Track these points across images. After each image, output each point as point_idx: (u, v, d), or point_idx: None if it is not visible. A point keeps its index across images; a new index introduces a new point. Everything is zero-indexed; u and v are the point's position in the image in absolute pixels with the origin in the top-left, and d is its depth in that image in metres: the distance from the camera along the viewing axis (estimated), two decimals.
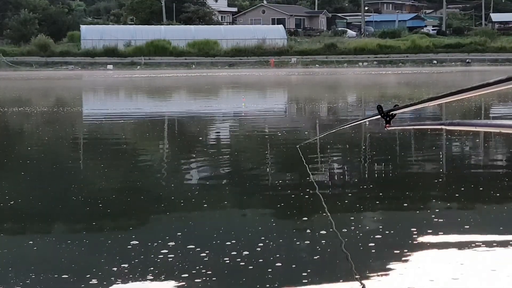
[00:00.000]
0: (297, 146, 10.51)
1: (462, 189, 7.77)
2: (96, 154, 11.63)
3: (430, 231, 5.79)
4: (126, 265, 4.97)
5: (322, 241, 5.58)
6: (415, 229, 5.84)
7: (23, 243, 5.72)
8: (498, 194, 7.46)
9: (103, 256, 5.28)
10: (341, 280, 4.67)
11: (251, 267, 4.92)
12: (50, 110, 21.57)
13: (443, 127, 3.25)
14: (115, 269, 4.90)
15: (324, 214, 6.52)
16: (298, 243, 5.55)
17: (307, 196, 7.41)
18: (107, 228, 6.25)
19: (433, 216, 6.37)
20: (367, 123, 13.59)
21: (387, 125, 3.70)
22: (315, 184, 8.04)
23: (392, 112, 3.66)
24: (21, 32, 75.98)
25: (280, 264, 4.98)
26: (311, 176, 8.52)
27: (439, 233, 5.72)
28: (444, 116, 17.46)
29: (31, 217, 6.80)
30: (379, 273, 4.76)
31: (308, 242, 5.61)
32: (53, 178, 9.04)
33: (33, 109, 21.93)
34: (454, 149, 11.56)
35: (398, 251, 5.23)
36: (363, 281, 4.58)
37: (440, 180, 8.44)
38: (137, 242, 5.57)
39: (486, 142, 12.03)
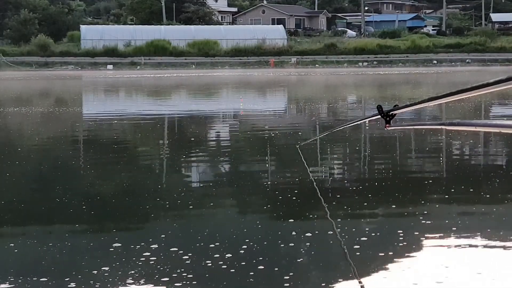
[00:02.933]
0: (297, 146, 10.48)
1: (453, 190, 7.73)
2: (86, 154, 11.58)
3: (417, 233, 5.73)
4: (106, 268, 4.89)
5: (321, 241, 5.56)
6: (401, 231, 5.77)
7: (3, 245, 5.65)
8: (487, 196, 7.41)
9: (83, 259, 5.19)
10: (338, 279, 4.64)
11: (233, 270, 4.85)
12: (50, 111, 21.52)
13: (443, 127, 3.23)
14: (95, 272, 4.82)
15: (324, 214, 6.49)
16: (292, 243, 5.47)
17: (305, 196, 7.39)
18: (90, 230, 6.15)
19: (421, 218, 6.30)
20: (367, 123, 13.58)
21: (387, 125, 3.69)
22: (314, 183, 8.01)
23: (392, 112, 3.65)
24: (21, 32, 75.94)
25: (264, 266, 4.89)
26: (310, 175, 8.49)
27: (426, 235, 5.66)
28: (444, 116, 17.44)
29: (13, 218, 6.71)
30: (358, 277, 4.69)
31: (307, 242, 5.57)
32: (39, 179, 8.93)
33: (33, 109, 21.88)
34: (451, 150, 11.51)
35: (382, 254, 5.17)
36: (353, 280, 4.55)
37: (431, 181, 8.36)
38: (119, 245, 5.48)
39: (483, 143, 12.01)
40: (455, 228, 5.90)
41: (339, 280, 4.67)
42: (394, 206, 6.93)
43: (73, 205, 7.16)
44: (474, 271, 4.76)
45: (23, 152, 11.81)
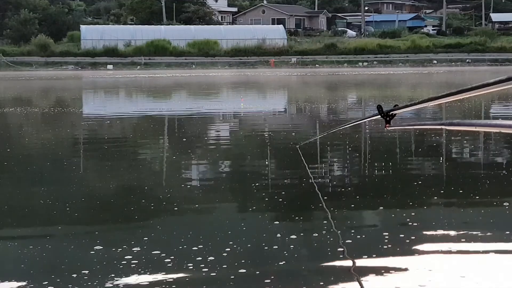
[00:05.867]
0: (297, 146, 10.48)
1: (442, 191, 7.69)
2: (75, 155, 11.54)
3: (402, 235, 5.67)
4: (86, 272, 4.82)
5: (321, 241, 5.55)
6: (387, 234, 5.71)
7: None
8: (477, 197, 7.36)
9: (63, 262, 5.11)
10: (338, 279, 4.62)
11: (232, 271, 4.78)
12: (49, 111, 21.51)
13: (443, 127, 3.24)
14: (74, 275, 4.75)
15: (323, 213, 6.48)
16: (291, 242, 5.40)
17: (305, 196, 7.38)
18: (72, 233, 6.05)
19: (408, 220, 6.23)
20: (367, 123, 13.59)
21: (387, 125, 3.70)
22: (314, 183, 8.01)
23: (392, 112, 3.66)
24: (21, 32, 76.00)
25: (262, 266, 4.83)
26: (310, 175, 8.49)
27: (412, 237, 5.60)
28: (444, 116, 17.45)
29: None
30: (341, 281, 4.65)
31: (306, 242, 5.56)
32: (25, 180, 8.83)
33: (32, 110, 21.85)
34: (448, 151, 11.49)
35: (366, 256, 5.10)
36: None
37: (427, 182, 8.30)
38: (100, 247, 5.41)
39: (481, 143, 12.01)
40: (441, 231, 5.84)
41: (338, 280, 4.65)
42: (381, 208, 6.84)
43: (56, 207, 7.06)
44: (458, 275, 4.70)
45: (12, 153, 11.71)
